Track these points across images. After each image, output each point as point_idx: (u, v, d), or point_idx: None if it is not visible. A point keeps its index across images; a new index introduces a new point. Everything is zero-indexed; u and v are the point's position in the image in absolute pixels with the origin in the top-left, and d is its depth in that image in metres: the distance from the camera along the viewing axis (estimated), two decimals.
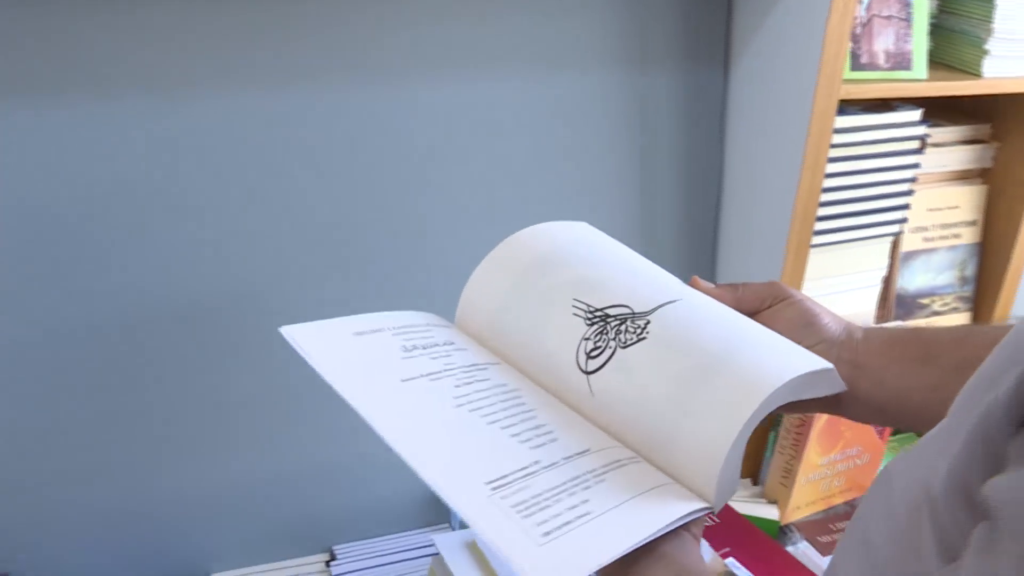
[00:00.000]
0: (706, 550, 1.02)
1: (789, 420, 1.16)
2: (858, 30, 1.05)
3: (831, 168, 1.05)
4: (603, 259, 0.66)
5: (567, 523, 0.48)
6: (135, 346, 0.96)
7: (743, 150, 1.13)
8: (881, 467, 0.50)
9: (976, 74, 1.10)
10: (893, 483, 0.41)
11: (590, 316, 0.61)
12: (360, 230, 1.01)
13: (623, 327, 0.59)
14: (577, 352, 0.60)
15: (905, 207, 1.13)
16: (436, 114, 1.00)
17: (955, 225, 1.21)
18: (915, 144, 1.11)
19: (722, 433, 0.52)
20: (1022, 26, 1.08)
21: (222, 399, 1.01)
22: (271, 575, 1.07)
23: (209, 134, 0.91)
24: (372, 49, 0.95)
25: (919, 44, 1.08)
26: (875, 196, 1.11)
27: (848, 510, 1.21)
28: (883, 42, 1.07)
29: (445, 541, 0.97)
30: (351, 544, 1.12)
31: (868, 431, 1.18)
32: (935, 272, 1.22)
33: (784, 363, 0.55)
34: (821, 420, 1.12)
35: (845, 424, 1.15)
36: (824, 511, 1.20)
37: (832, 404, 0.61)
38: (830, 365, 0.57)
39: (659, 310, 0.60)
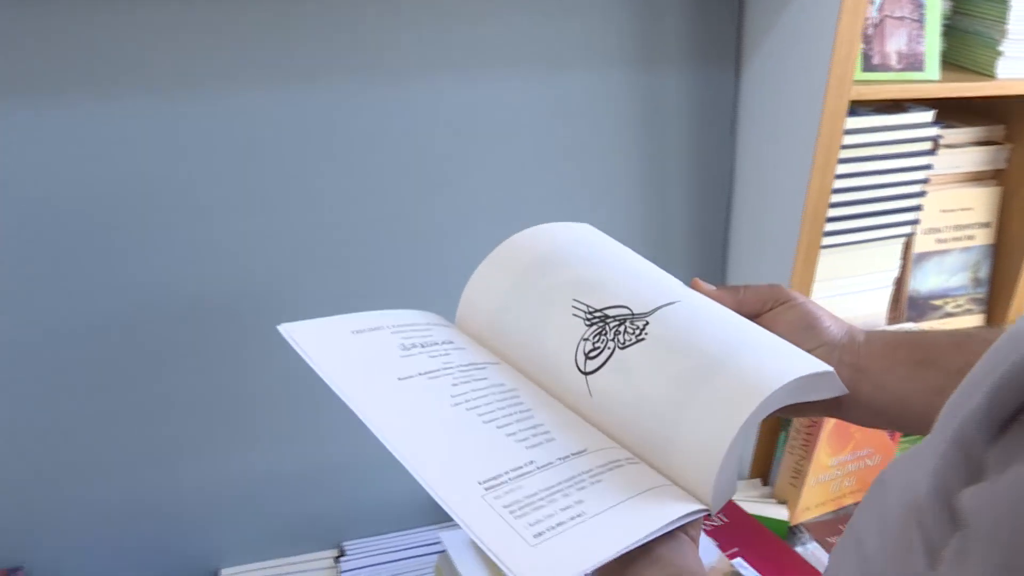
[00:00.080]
0: (713, 550, 1.02)
1: (799, 420, 1.15)
2: (870, 31, 1.05)
3: (842, 169, 1.05)
4: (604, 260, 0.66)
5: (560, 524, 0.48)
6: (145, 344, 0.97)
7: (754, 151, 1.13)
8: None
9: (990, 75, 1.09)
10: (887, 488, 0.41)
11: (589, 317, 0.61)
12: (364, 229, 1.02)
13: (622, 328, 0.59)
14: (576, 352, 0.60)
15: (917, 208, 1.13)
16: (444, 114, 1.01)
17: (968, 227, 1.21)
18: (927, 145, 1.11)
19: (720, 434, 0.52)
20: None
21: (232, 396, 1.02)
22: (280, 571, 1.08)
23: (213, 133, 0.92)
24: (379, 49, 0.96)
25: (932, 45, 1.08)
26: (887, 197, 1.10)
27: None
28: (895, 43, 1.06)
29: (452, 539, 0.98)
30: (360, 540, 1.12)
31: (879, 432, 1.18)
32: (948, 274, 1.21)
33: (783, 365, 0.55)
34: (831, 421, 1.12)
35: (856, 425, 1.14)
36: (834, 512, 1.20)
37: (833, 407, 0.60)
38: (830, 368, 0.57)
39: (658, 311, 0.60)
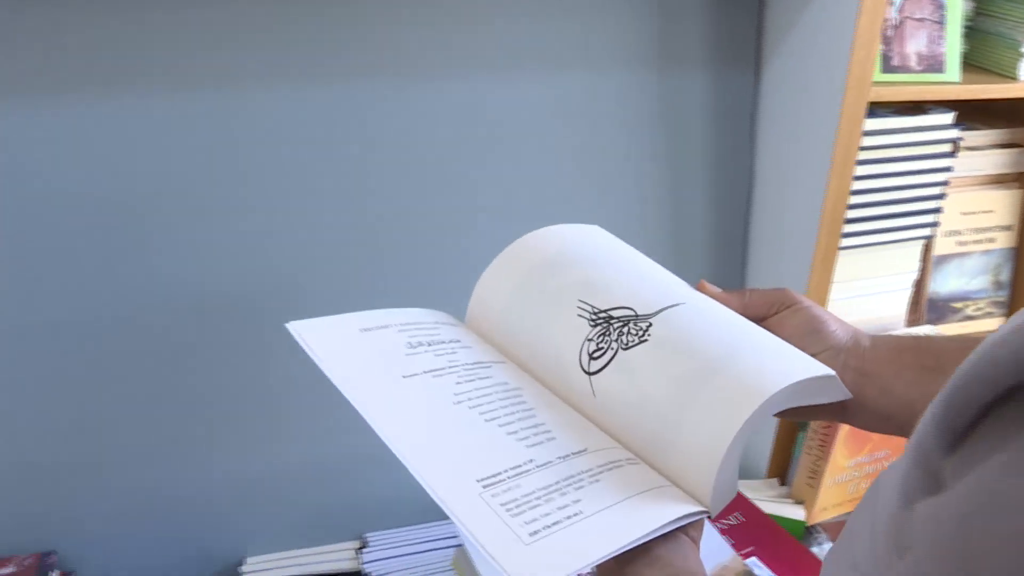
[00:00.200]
0: (727, 549, 1.03)
1: (816, 421, 1.16)
2: (889, 32, 1.05)
3: (861, 170, 1.05)
4: (611, 262, 0.67)
5: (556, 523, 0.48)
6: (174, 338, 1.00)
7: (774, 152, 1.14)
8: None
9: (1012, 77, 1.09)
10: (879, 492, 0.41)
11: (594, 317, 0.61)
12: (381, 227, 1.04)
13: (625, 329, 0.60)
14: (580, 353, 0.60)
15: (936, 211, 1.13)
16: (461, 114, 1.03)
17: (989, 229, 1.20)
18: (947, 147, 1.11)
19: (719, 436, 0.52)
20: None
21: (258, 390, 1.05)
22: (304, 560, 1.11)
23: (229, 132, 0.94)
24: (394, 50, 0.97)
25: (952, 46, 1.08)
26: (906, 199, 1.10)
27: None
28: (915, 44, 1.07)
29: None
30: (382, 532, 1.14)
31: None
32: (969, 276, 1.21)
33: (785, 368, 0.55)
34: None
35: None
36: (850, 513, 1.20)
37: (838, 411, 0.60)
38: (832, 372, 0.57)
39: (662, 313, 0.60)
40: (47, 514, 1.01)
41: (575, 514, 0.49)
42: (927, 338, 0.62)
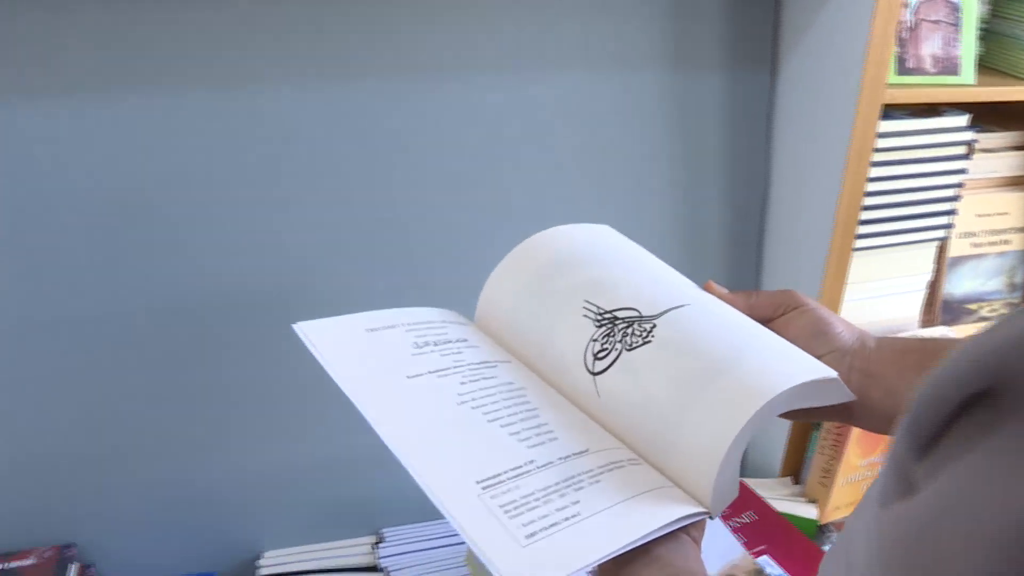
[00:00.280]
0: (738, 547, 1.04)
1: (830, 422, 1.16)
2: (904, 35, 1.06)
3: (875, 172, 1.06)
4: (617, 262, 0.67)
5: (554, 524, 0.48)
6: (193, 333, 1.02)
7: (790, 153, 1.14)
8: None
9: None
10: (869, 495, 0.42)
11: (599, 318, 0.62)
12: (399, 225, 1.05)
13: (630, 330, 0.60)
14: (585, 353, 0.61)
15: (951, 212, 1.13)
16: (476, 114, 1.04)
17: (1004, 231, 1.20)
18: (962, 149, 1.11)
19: (719, 437, 0.52)
20: None
21: (277, 385, 1.06)
22: (321, 555, 1.12)
23: (243, 130, 0.96)
24: (411, 49, 0.99)
25: (968, 49, 1.08)
26: (920, 201, 1.11)
27: None
28: (930, 47, 1.07)
29: None
30: (398, 528, 1.16)
31: None
32: (984, 278, 1.21)
33: (787, 370, 0.55)
34: None
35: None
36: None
37: (843, 413, 0.61)
38: (834, 374, 0.57)
39: (666, 314, 0.60)
40: (67, 507, 1.03)
41: (573, 516, 0.49)
42: (932, 340, 0.62)
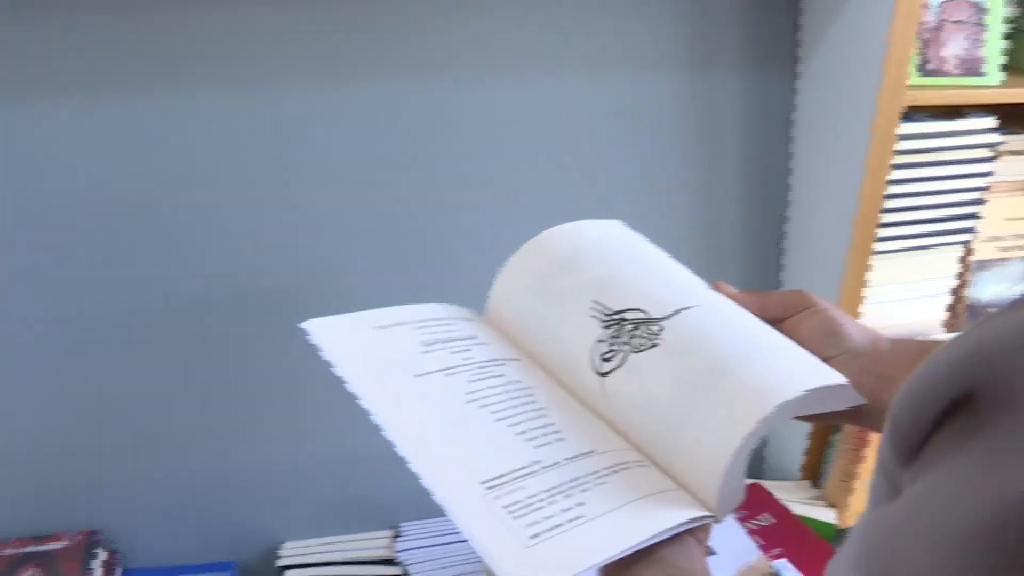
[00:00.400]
0: (754, 550, 1.03)
1: (850, 426, 1.15)
2: (927, 36, 1.05)
3: (897, 175, 1.05)
4: (627, 260, 0.66)
5: (557, 526, 0.48)
6: (223, 327, 1.04)
7: (810, 155, 1.14)
8: None
9: None
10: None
11: (606, 319, 0.61)
12: (417, 223, 1.07)
13: (637, 331, 0.59)
14: (592, 354, 0.60)
15: (975, 216, 1.12)
16: (493, 115, 1.05)
17: None
18: (987, 152, 1.09)
19: (724, 444, 0.52)
20: None
21: (301, 380, 1.08)
22: (340, 547, 1.14)
23: (256, 129, 0.98)
24: (426, 48, 1.00)
25: (993, 49, 1.07)
26: (943, 204, 1.10)
27: None
28: (953, 47, 1.06)
29: None
30: (416, 522, 1.17)
31: None
32: (1010, 282, 1.19)
33: (794, 377, 0.54)
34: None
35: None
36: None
37: (855, 415, 0.60)
38: (843, 380, 0.56)
39: (674, 316, 0.60)
40: (96, 496, 1.06)
41: (577, 517, 0.49)
42: None
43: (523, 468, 0.53)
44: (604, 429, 0.59)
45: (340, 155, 1.01)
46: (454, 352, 0.63)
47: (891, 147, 1.01)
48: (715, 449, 0.52)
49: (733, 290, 0.66)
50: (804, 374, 0.55)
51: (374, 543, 1.14)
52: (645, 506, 0.51)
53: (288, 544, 1.13)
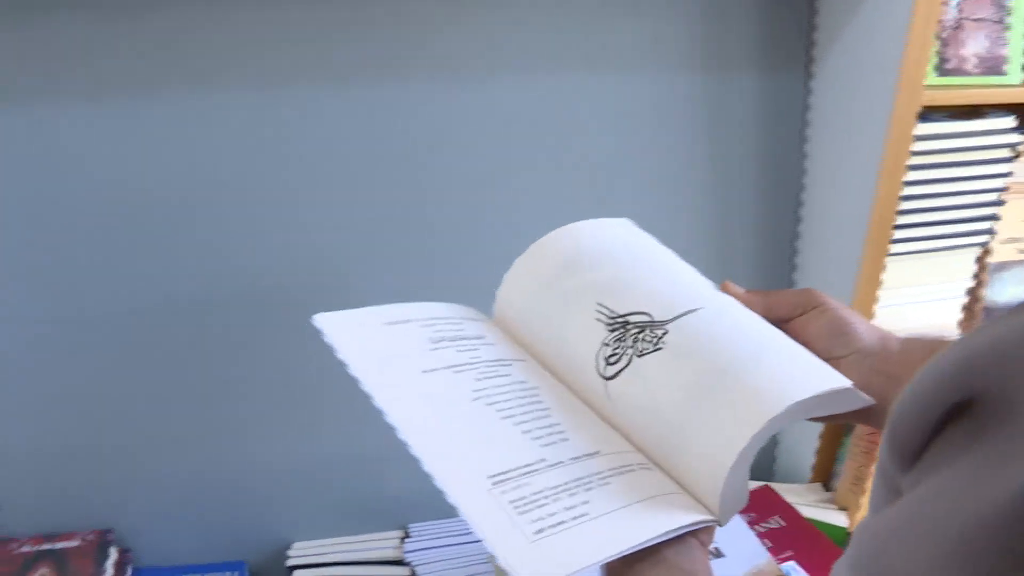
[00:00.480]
0: (763, 552, 1.03)
1: (861, 427, 1.14)
2: (946, 34, 1.02)
3: (913, 176, 1.03)
4: (632, 261, 0.66)
5: (561, 523, 0.49)
6: (234, 326, 1.04)
7: (824, 155, 1.12)
8: None
9: None
10: None
11: (611, 322, 0.62)
12: (429, 222, 1.06)
13: (641, 335, 0.60)
14: (597, 357, 0.61)
15: (993, 217, 1.09)
16: (505, 115, 1.04)
17: None
18: (1006, 152, 1.07)
19: (726, 449, 0.52)
20: None
21: (312, 380, 1.08)
22: (349, 547, 1.14)
23: (269, 128, 0.97)
24: (440, 49, 0.99)
25: (1016, 48, 1.04)
26: (960, 205, 1.07)
27: None
28: (973, 46, 1.04)
29: None
30: (425, 523, 1.17)
31: None
32: None
33: (798, 382, 0.55)
34: None
35: None
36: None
37: (863, 416, 0.59)
38: (848, 384, 0.56)
39: (678, 320, 0.60)
40: (108, 495, 1.07)
41: (581, 515, 0.50)
42: None
43: (529, 465, 0.53)
44: (609, 431, 0.59)
45: (346, 155, 1.01)
46: (461, 351, 0.63)
47: (907, 148, 1.00)
48: (717, 454, 0.53)
49: (740, 290, 0.65)
50: (808, 378, 0.55)
51: (383, 544, 1.15)
52: (648, 508, 0.52)
53: (297, 544, 1.14)
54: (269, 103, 0.96)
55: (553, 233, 0.70)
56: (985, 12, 1.04)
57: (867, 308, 1.08)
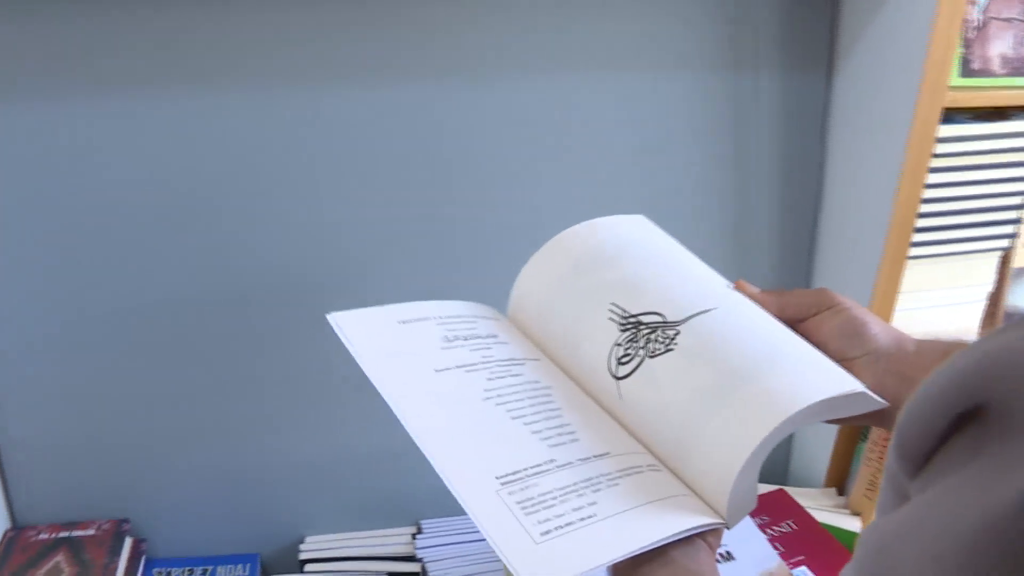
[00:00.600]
0: (774, 556, 1.02)
1: (877, 432, 1.13)
2: (971, 34, 1.01)
3: (935, 178, 1.02)
4: (646, 260, 0.66)
5: (568, 524, 0.49)
6: (250, 321, 1.05)
7: (845, 157, 1.11)
8: None
9: None
10: None
11: (624, 322, 0.61)
12: (445, 220, 1.06)
13: (653, 336, 0.60)
14: (609, 357, 0.61)
15: (1016, 221, 1.08)
16: (523, 114, 1.03)
17: None
18: None
19: (736, 452, 0.52)
20: None
21: (327, 375, 1.08)
22: (361, 542, 1.15)
23: (292, 125, 0.97)
24: (457, 49, 0.99)
25: None
26: (982, 209, 1.06)
27: None
28: (999, 46, 1.02)
29: None
30: (437, 520, 1.18)
31: None
32: None
33: (809, 385, 0.54)
34: None
35: None
36: None
37: (876, 417, 0.59)
38: (861, 387, 0.56)
39: (690, 320, 0.60)
40: (124, 486, 1.08)
41: (588, 516, 0.50)
42: None
43: (537, 466, 0.54)
44: (619, 431, 0.59)
45: (350, 154, 1.01)
46: (474, 350, 0.64)
47: (929, 150, 0.98)
48: (727, 458, 0.52)
49: (754, 289, 0.65)
50: (820, 382, 0.55)
51: (396, 539, 1.15)
52: (656, 510, 0.52)
53: (310, 538, 1.15)
54: (271, 102, 0.96)
55: (568, 230, 0.70)
56: (1013, 12, 1.02)
57: (886, 311, 1.07)
